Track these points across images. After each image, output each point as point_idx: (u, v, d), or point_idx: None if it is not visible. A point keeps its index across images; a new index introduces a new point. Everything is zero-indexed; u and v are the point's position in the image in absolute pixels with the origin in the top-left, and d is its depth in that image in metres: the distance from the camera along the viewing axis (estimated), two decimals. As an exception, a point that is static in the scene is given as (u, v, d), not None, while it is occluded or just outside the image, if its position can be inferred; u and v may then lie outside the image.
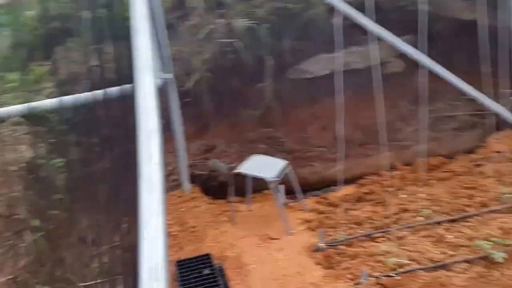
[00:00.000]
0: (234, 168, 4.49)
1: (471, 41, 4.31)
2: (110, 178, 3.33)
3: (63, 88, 3.75)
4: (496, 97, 4.88)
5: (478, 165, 4.86)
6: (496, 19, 4.05)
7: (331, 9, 4.59)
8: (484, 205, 4.25)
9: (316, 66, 4.88)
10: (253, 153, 4.67)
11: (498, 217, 4.06)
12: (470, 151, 5.09)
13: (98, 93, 3.08)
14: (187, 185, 4.82)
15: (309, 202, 4.77)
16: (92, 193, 3.56)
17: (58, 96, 3.48)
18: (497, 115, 5.03)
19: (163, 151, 1.95)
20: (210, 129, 4.89)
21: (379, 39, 4.70)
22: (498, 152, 4.83)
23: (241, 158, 4.67)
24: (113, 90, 2.88)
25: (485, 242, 3.74)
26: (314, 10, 4.70)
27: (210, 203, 4.77)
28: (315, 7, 4.69)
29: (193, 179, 4.84)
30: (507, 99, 4.80)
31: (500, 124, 4.92)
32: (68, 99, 3.32)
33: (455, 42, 4.86)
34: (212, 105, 4.74)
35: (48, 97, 3.64)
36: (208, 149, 4.86)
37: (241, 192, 4.68)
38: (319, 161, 4.96)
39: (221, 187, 4.72)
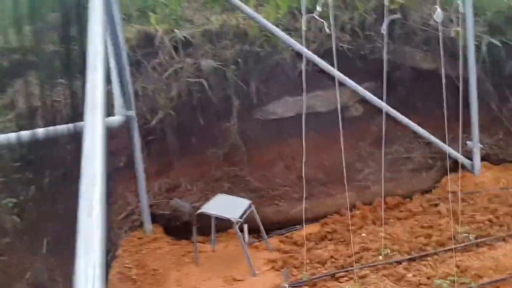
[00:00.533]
0: (197, 207, 4.14)
1: (428, 89, 4.27)
2: (63, 220, 2.88)
3: (18, 122, 3.34)
4: (450, 141, 4.83)
5: (434, 205, 4.75)
6: (454, 69, 4.04)
7: (297, 55, 4.46)
8: (441, 244, 4.10)
9: (282, 108, 4.71)
10: (217, 192, 4.37)
11: (454, 256, 3.90)
12: (427, 191, 5.01)
13: (52, 129, 2.68)
14: (148, 226, 4.36)
15: (274, 241, 4.47)
16: (45, 235, 3.09)
17: (11, 131, 3.06)
18: (451, 157, 4.97)
19: (109, 199, 1.58)
20: (174, 168, 4.55)
21: (342, 85, 4.59)
22: (453, 192, 4.72)
23: (206, 197, 4.37)
24: (67, 127, 2.50)
25: (444, 280, 3.57)
26: (280, 55, 4.57)
27: (173, 244, 4.35)
28: (282, 53, 4.57)
29: (156, 219, 4.41)
30: (460, 143, 4.74)
31: (454, 166, 4.82)
32: (21, 134, 2.89)
33: (414, 89, 4.84)
34: (176, 143, 4.43)
35: (1, 132, 3.21)
36: (172, 188, 4.49)
37: (205, 232, 4.31)
38: (283, 200, 4.71)
39: (184, 227, 4.34)
